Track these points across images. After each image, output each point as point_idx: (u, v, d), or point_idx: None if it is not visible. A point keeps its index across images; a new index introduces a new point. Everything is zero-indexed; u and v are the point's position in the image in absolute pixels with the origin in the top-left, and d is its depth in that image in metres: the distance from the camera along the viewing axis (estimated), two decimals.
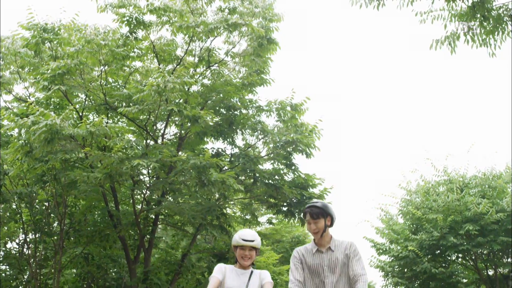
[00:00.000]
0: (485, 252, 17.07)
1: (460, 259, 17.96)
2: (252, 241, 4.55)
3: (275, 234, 16.09)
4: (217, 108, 12.84)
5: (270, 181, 12.64)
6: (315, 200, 4.99)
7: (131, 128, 12.91)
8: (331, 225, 4.59)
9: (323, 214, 4.49)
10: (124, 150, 10.53)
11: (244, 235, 4.57)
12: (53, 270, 14.38)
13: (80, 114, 12.49)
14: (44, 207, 14.55)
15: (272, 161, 13.22)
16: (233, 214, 14.08)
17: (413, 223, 17.71)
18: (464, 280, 18.40)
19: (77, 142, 10.82)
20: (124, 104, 11.71)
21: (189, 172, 10.26)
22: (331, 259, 4.49)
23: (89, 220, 14.68)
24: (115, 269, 15.98)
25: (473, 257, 17.38)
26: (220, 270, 4.55)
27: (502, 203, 15.86)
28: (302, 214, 6.57)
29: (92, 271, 15.09)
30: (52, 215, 14.52)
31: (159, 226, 13.61)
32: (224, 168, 10.97)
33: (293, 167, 12.78)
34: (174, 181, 10.47)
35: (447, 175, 17.55)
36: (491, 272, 18.02)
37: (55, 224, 14.83)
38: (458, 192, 16.40)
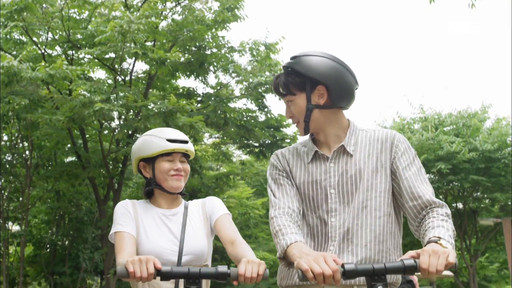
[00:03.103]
0: (455, 189, 17.32)
1: None
2: (186, 141, 2.35)
3: (247, 172, 16.03)
4: (188, 46, 12.29)
5: (241, 122, 12.38)
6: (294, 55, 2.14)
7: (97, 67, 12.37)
8: (332, 101, 2.09)
9: (299, 84, 2.08)
10: (88, 93, 10.06)
11: (169, 133, 2.35)
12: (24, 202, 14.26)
13: (42, 51, 11.87)
14: (8, 144, 14.24)
15: (245, 101, 12.92)
16: (204, 153, 13.88)
17: None
18: None
19: (37, 85, 10.33)
20: (87, 44, 11.10)
21: (155, 118, 9.91)
22: (346, 173, 2.10)
23: (58, 158, 14.43)
24: (86, 205, 15.93)
25: (443, 192, 17.64)
26: (127, 215, 2.29)
27: (475, 142, 15.89)
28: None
29: (63, 207, 15.01)
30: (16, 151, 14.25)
31: (129, 163, 13.37)
32: (193, 110, 10.61)
33: (265, 109, 12.49)
34: (139, 127, 10.12)
35: (423, 113, 17.45)
36: (460, 206, 18.40)
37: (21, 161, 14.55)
38: (433, 131, 16.37)
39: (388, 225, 2.09)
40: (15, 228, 17.24)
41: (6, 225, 15.09)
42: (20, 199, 14.59)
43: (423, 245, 1.84)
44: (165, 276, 1.80)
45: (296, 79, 2.07)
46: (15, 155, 14.17)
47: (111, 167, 12.69)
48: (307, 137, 2.22)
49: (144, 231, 2.27)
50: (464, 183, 16.01)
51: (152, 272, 1.77)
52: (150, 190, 2.38)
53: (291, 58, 2.13)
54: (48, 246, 15.65)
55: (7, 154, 14.51)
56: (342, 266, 1.67)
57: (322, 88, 2.07)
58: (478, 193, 17.78)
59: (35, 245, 16.42)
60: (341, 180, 2.09)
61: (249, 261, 1.86)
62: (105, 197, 13.31)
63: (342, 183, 2.08)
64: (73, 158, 14.07)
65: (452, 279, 18.75)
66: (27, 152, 14.29)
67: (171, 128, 2.43)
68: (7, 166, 14.32)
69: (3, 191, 14.86)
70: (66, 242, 16.18)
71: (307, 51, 2.12)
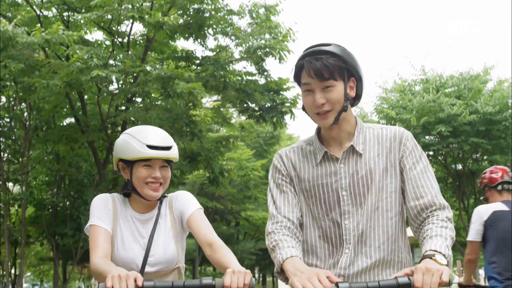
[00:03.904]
0: (455, 152, 17.32)
1: (430, 157, 18.26)
2: (169, 147, 2.19)
3: (247, 136, 15.93)
4: (187, 8, 12.03)
5: (241, 86, 12.25)
6: (313, 45, 2.05)
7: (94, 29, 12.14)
8: (358, 98, 2.10)
9: (341, 70, 1.99)
10: (86, 59, 9.89)
11: (149, 138, 2.16)
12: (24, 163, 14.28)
13: (38, 13, 11.63)
14: (6, 105, 14.14)
15: (245, 64, 12.75)
16: (203, 117, 13.79)
17: (387, 122, 17.70)
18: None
19: (33, 49, 10.15)
20: (83, 7, 10.85)
21: (153, 83, 9.79)
22: (357, 174, 2.06)
23: (56, 121, 14.35)
24: (87, 167, 15.95)
25: (442, 154, 17.66)
26: (106, 211, 2.23)
27: (476, 105, 15.78)
28: (292, 71, 1.96)
29: (63, 169, 15.04)
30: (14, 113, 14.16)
31: (128, 127, 13.30)
32: (192, 77, 10.47)
33: (265, 73, 12.34)
34: (137, 91, 10.02)
35: (424, 74, 17.26)
36: (459, 167, 18.45)
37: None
38: (434, 93, 16.22)
39: (399, 224, 2.07)
40: (15, 189, 17.35)
41: (6, 186, 15.15)
42: (20, 159, 14.59)
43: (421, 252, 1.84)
44: None
45: (339, 63, 1.97)
46: (13, 118, 14.07)
47: (110, 131, 12.64)
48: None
49: (120, 233, 2.23)
50: (464, 146, 15.99)
51: None
52: (125, 190, 2.29)
53: (318, 46, 2.02)
54: (49, 207, 15.76)
55: (5, 116, 14.44)
56: (336, 285, 1.67)
57: (353, 80, 2.04)
58: (478, 155, 17.80)
59: (36, 206, 16.54)
60: (352, 181, 2.04)
61: (234, 272, 1.82)
62: (104, 161, 13.31)
63: (354, 185, 2.04)
64: (72, 119, 13.99)
65: None
66: (25, 115, 14.21)
67: (156, 130, 2.24)
68: (6, 128, 14.27)
69: (2, 153, 14.86)
70: (67, 204, 16.30)
71: (328, 42, 2.04)
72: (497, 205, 4.26)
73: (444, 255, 1.75)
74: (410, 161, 2.04)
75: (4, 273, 16.20)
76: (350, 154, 2.06)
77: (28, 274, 26.43)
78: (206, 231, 2.18)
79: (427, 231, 1.88)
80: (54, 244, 15.38)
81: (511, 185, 4.41)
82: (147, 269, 2.20)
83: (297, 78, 2.07)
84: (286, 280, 1.91)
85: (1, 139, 14.24)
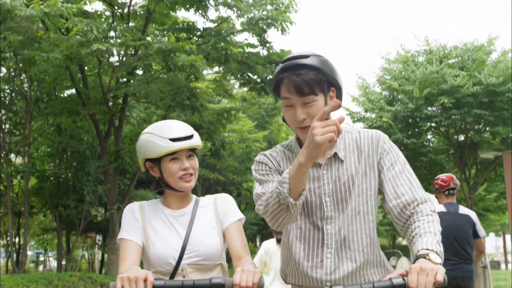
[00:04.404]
0: (457, 123, 17.26)
1: (432, 129, 18.23)
2: (191, 136, 2.19)
3: (249, 108, 15.85)
4: None
5: (242, 58, 12.13)
6: (290, 55, 2.01)
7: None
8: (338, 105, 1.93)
9: (321, 84, 1.96)
10: (86, 31, 9.77)
11: (170, 131, 2.17)
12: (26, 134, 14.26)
13: None
14: (7, 76, 14.04)
15: (246, 36, 12.60)
16: (204, 90, 13.70)
17: (390, 93, 17.61)
18: (433, 145, 18.84)
19: (32, 21, 10.02)
20: None
21: (154, 57, 9.69)
22: (339, 180, 2.07)
23: (57, 92, 14.29)
24: (88, 138, 15.95)
25: (444, 125, 17.61)
26: (133, 222, 2.22)
27: (479, 76, 15.65)
28: (272, 84, 2.03)
29: (65, 141, 15.03)
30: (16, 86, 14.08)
31: (130, 100, 13.23)
32: (193, 50, 10.35)
33: (267, 45, 12.20)
34: (138, 66, 9.92)
35: (428, 45, 17.08)
36: (461, 138, 18.42)
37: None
38: (437, 64, 16.08)
39: (375, 224, 2.13)
40: (18, 160, 17.38)
41: (8, 157, 15.18)
42: (22, 131, 14.58)
43: (410, 251, 1.84)
44: None
45: (320, 77, 1.95)
46: (14, 91, 13.98)
47: (111, 103, 12.58)
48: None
49: (153, 233, 2.21)
50: (466, 117, 15.92)
51: None
52: (158, 188, 2.30)
53: (296, 58, 1.98)
54: (51, 179, 15.81)
55: (6, 88, 14.36)
56: (330, 287, 1.68)
57: (333, 90, 2.03)
58: (480, 126, 17.75)
59: (38, 178, 16.59)
60: (335, 187, 2.07)
61: (244, 270, 1.82)
62: (106, 133, 13.29)
63: (336, 190, 2.07)
64: (73, 91, 13.92)
65: None
66: (25, 86, 14.12)
67: (174, 122, 2.24)
68: (7, 100, 14.21)
69: (3, 125, 14.84)
70: (69, 175, 16.35)
71: (305, 51, 2.00)
72: (440, 207, 5.64)
73: (437, 253, 1.75)
74: (387, 162, 2.07)
75: (9, 243, 16.35)
76: (332, 161, 2.09)
77: (32, 243, 26.71)
78: (240, 244, 2.21)
79: (415, 229, 1.88)
80: (57, 215, 15.48)
81: (455, 190, 5.76)
82: (186, 261, 2.16)
83: (276, 91, 2.05)
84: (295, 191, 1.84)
85: (2, 111, 14.19)
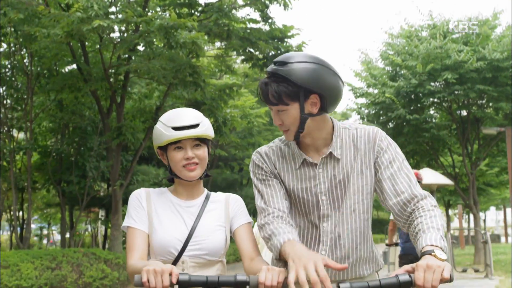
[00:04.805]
0: (460, 99, 17.18)
1: (435, 104, 18.16)
2: (195, 125, 2.14)
3: (251, 84, 15.74)
4: None
5: (245, 34, 12.00)
6: (278, 58, 1.97)
7: None
8: (324, 108, 2.00)
9: (292, 94, 1.94)
10: (87, 7, 9.65)
11: (175, 119, 2.15)
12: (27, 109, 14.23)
13: None
14: (7, 50, 13.95)
15: (248, 11, 12.44)
16: (206, 66, 13.59)
17: (393, 68, 17.49)
18: (436, 120, 18.79)
19: None
20: None
21: (156, 34, 9.59)
22: (335, 178, 2.09)
23: (59, 68, 14.20)
24: (90, 114, 15.92)
25: (447, 101, 17.53)
26: (140, 210, 2.20)
27: (484, 51, 15.51)
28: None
29: (66, 117, 15.01)
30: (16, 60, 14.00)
31: (132, 76, 13.15)
32: (195, 27, 10.24)
33: (269, 20, 12.07)
34: (139, 43, 9.83)
35: (432, 20, 16.88)
36: (464, 114, 18.36)
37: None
38: (441, 39, 15.92)
39: (370, 221, 2.18)
40: (20, 136, 17.40)
41: (11, 133, 15.18)
42: (23, 106, 14.54)
43: (416, 247, 1.85)
44: (182, 285, 1.77)
45: (290, 88, 1.94)
46: (15, 67, 13.89)
47: (112, 80, 12.52)
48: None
49: (159, 221, 2.19)
50: (470, 93, 15.84)
51: (167, 284, 1.74)
52: (169, 174, 2.29)
53: (277, 64, 1.97)
54: (53, 154, 15.83)
55: (7, 63, 14.28)
56: (337, 285, 1.67)
57: (315, 97, 1.97)
58: (483, 101, 17.66)
59: (40, 154, 16.62)
60: (331, 186, 2.10)
61: (269, 269, 1.79)
62: (108, 110, 13.26)
63: (332, 189, 2.10)
64: (74, 66, 13.84)
65: (452, 187, 19.13)
66: (25, 61, 14.03)
67: (183, 110, 2.20)
68: (7, 76, 14.13)
69: (5, 101, 14.81)
70: (72, 151, 16.37)
71: (294, 56, 1.97)
72: None
73: (442, 249, 1.75)
74: (385, 161, 2.08)
75: (12, 217, 16.48)
76: (328, 160, 2.10)
77: (36, 217, 26.91)
78: (252, 246, 2.19)
79: (418, 225, 1.89)
80: (60, 191, 15.56)
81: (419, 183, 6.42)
82: (188, 253, 2.15)
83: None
84: (285, 265, 1.89)
85: (3, 87, 14.13)
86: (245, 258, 2.15)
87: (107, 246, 17.80)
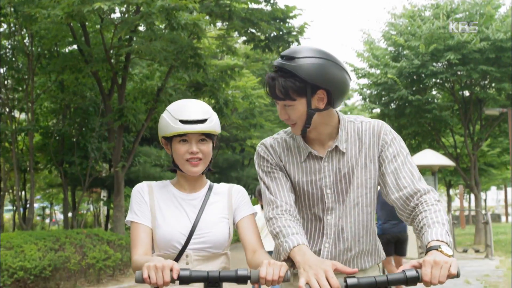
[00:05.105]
0: (463, 79, 17.11)
1: (437, 85, 18.08)
2: (203, 120, 2.11)
3: (253, 65, 15.65)
4: None
5: (246, 14, 11.90)
6: (285, 52, 1.97)
7: None
8: (330, 103, 2.02)
9: (299, 90, 1.95)
10: None
11: (184, 112, 2.12)
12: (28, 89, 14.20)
13: None
14: (7, 31, 13.85)
15: None
16: (207, 47, 13.50)
17: (395, 49, 17.38)
18: (438, 101, 18.72)
19: None
20: None
21: (157, 15, 9.52)
22: (340, 172, 2.10)
23: (59, 48, 14.12)
24: (92, 94, 15.87)
25: (450, 81, 17.46)
26: (142, 204, 2.19)
27: (487, 31, 15.39)
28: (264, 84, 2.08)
29: (68, 98, 14.97)
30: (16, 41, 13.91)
31: (133, 57, 13.07)
32: (196, 9, 10.15)
33: (271, 1, 11.96)
34: (140, 24, 9.76)
35: None
36: (466, 94, 18.30)
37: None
38: (444, 19, 15.79)
39: (373, 215, 2.19)
40: (21, 116, 17.37)
41: (12, 114, 15.16)
42: (25, 87, 14.49)
43: (420, 241, 1.85)
44: (183, 280, 1.78)
45: (297, 84, 1.95)
46: (15, 46, 13.81)
47: (113, 61, 12.46)
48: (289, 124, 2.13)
49: (161, 215, 2.18)
50: (472, 74, 15.76)
51: (168, 280, 1.74)
52: (173, 167, 2.26)
53: (285, 58, 1.97)
54: (55, 135, 15.83)
55: (7, 43, 14.19)
56: (345, 280, 1.68)
57: (322, 92, 1.99)
58: (486, 82, 17.59)
59: (42, 134, 16.62)
60: (336, 179, 2.11)
61: (270, 263, 1.80)
62: (109, 91, 13.22)
63: (337, 182, 2.11)
64: (74, 47, 13.75)
65: (453, 167, 19.14)
66: (26, 42, 13.95)
67: (192, 103, 2.17)
68: (8, 56, 14.06)
69: (6, 82, 14.75)
70: (73, 132, 16.36)
71: (301, 51, 1.97)
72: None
73: (448, 244, 1.76)
74: (389, 155, 2.08)
75: (15, 197, 16.54)
76: (333, 153, 2.11)
77: (38, 197, 27.02)
78: (255, 238, 2.18)
79: (422, 220, 1.89)
80: (62, 171, 15.59)
81: None
82: (192, 246, 2.14)
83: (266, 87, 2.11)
84: (292, 266, 1.92)
85: (4, 67, 14.07)
86: (248, 250, 2.15)
87: (109, 226, 17.91)
